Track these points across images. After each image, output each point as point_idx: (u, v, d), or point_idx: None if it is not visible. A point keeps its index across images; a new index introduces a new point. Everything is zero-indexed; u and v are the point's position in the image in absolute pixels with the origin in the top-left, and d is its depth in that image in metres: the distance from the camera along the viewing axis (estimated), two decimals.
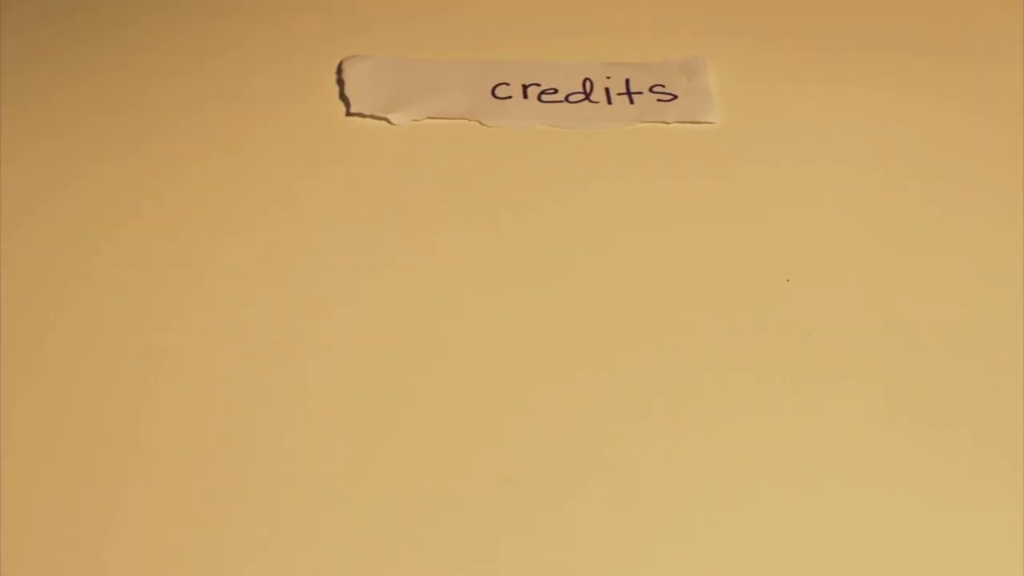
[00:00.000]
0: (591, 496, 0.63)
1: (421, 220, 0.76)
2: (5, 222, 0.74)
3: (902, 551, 0.61)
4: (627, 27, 0.89)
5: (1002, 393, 0.68)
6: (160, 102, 0.83)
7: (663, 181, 0.78)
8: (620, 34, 0.88)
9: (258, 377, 0.67)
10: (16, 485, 0.62)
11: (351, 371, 0.68)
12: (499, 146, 0.80)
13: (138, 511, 0.62)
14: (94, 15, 0.89)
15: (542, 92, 0.84)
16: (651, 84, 0.84)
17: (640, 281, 0.73)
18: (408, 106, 0.82)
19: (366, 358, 0.69)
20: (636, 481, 0.64)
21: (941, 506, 0.63)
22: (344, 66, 0.85)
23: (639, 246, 0.75)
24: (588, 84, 0.84)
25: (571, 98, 0.83)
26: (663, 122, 0.82)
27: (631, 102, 0.83)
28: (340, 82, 0.84)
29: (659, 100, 0.83)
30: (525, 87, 0.84)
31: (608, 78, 0.84)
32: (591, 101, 0.83)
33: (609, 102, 0.83)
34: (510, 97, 0.83)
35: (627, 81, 0.84)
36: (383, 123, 0.81)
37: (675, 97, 0.83)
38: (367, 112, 0.82)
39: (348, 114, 0.82)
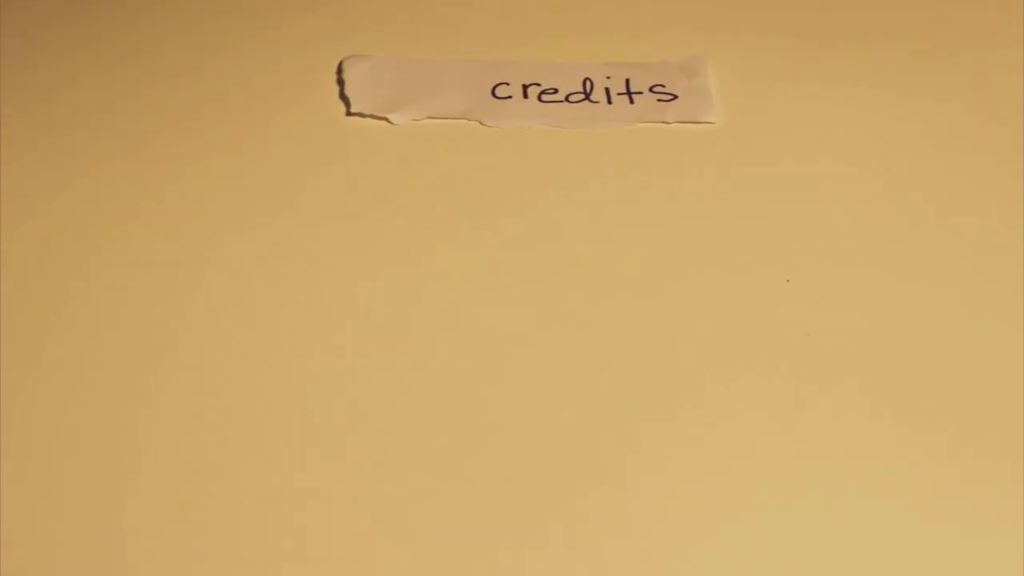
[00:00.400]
0: (591, 496, 0.63)
1: (421, 220, 0.76)
2: (5, 222, 0.74)
3: (901, 549, 0.61)
4: (627, 27, 0.89)
5: (1002, 392, 0.68)
6: (160, 102, 0.83)
7: (663, 181, 0.78)
8: (620, 34, 0.88)
9: (258, 376, 0.67)
10: (16, 486, 0.62)
11: (351, 370, 0.68)
12: (499, 146, 0.80)
13: (140, 512, 0.62)
14: (94, 13, 0.89)
15: (542, 92, 0.84)
16: (651, 84, 0.84)
17: (640, 281, 0.73)
18: (408, 106, 0.82)
19: (366, 358, 0.69)
20: (635, 480, 0.64)
21: (940, 503, 0.63)
22: (344, 66, 0.85)
23: (639, 246, 0.75)
24: (588, 84, 0.84)
25: (571, 98, 0.83)
26: (663, 122, 0.82)
27: (631, 102, 0.83)
28: (340, 82, 0.84)
29: (659, 100, 0.83)
30: (525, 87, 0.84)
31: (608, 78, 0.84)
32: (591, 101, 0.83)
33: (609, 102, 0.83)
34: (510, 97, 0.83)
35: (627, 81, 0.84)
36: (383, 123, 0.81)
37: (675, 97, 0.83)
38: (367, 112, 0.82)
39: (348, 114, 0.82)
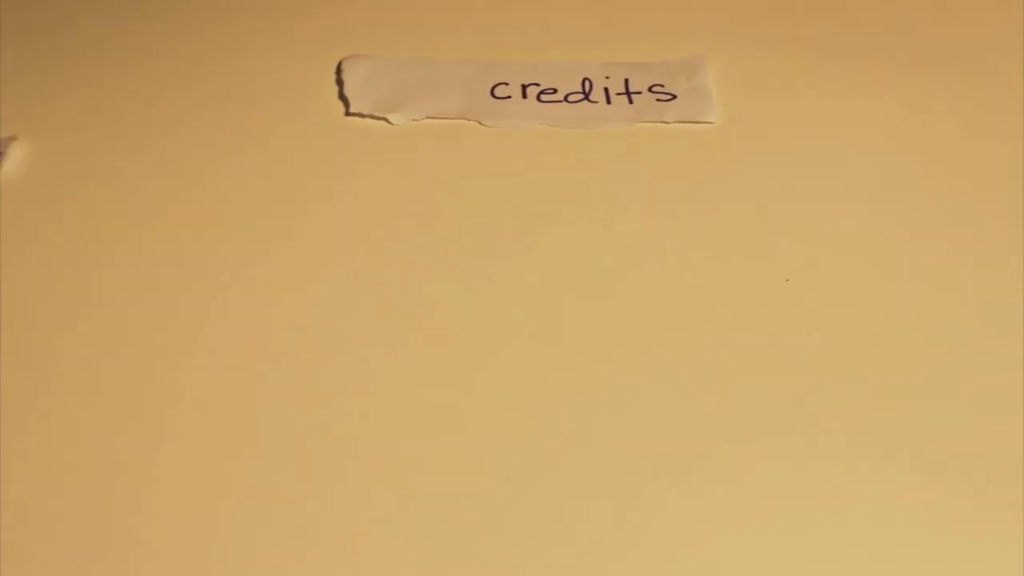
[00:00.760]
0: (592, 495, 0.63)
1: (421, 219, 0.76)
2: (5, 222, 0.74)
3: (902, 553, 0.62)
4: (627, 27, 0.89)
5: (1002, 390, 0.67)
6: (160, 101, 0.83)
7: (663, 181, 0.78)
8: (620, 34, 0.88)
9: (259, 374, 0.67)
10: (17, 486, 0.63)
11: (350, 369, 0.68)
12: (498, 146, 0.80)
13: (147, 513, 0.62)
14: (94, 16, 0.90)
15: (541, 92, 0.84)
16: (650, 84, 0.84)
17: (640, 280, 0.73)
18: (407, 106, 0.82)
19: (364, 356, 0.69)
20: (635, 480, 0.64)
21: (933, 509, 0.63)
22: (344, 66, 0.85)
23: (639, 246, 0.75)
24: (587, 84, 0.84)
25: (570, 98, 0.83)
26: (662, 122, 0.82)
27: (630, 102, 0.83)
28: (340, 82, 0.84)
29: (658, 100, 0.83)
30: (524, 87, 0.84)
31: (607, 78, 0.84)
32: (590, 101, 0.83)
33: (608, 102, 0.83)
34: (509, 97, 0.83)
35: (626, 81, 0.84)
36: (382, 123, 0.82)
37: (674, 97, 0.83)
38: (366, 112, 0.82)
39: (347, 114, 0.82)
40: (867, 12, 0.90)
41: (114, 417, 0.65)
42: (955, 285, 0.73)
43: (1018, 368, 0.68)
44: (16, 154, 0.76)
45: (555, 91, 0.83)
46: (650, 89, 0.84)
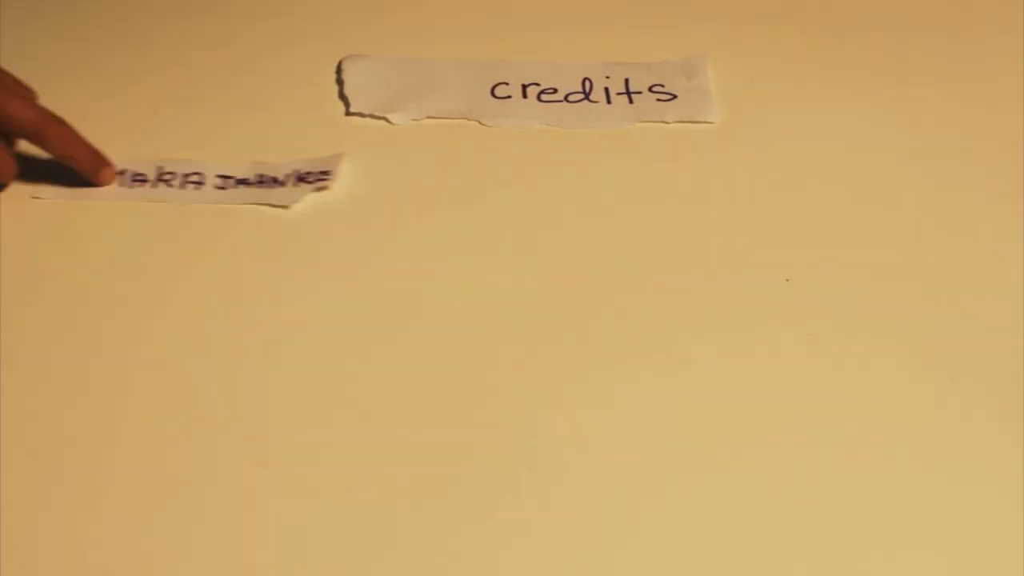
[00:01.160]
0: (591, 496, 0.63)
1: (420, 219, 0.76)
2: (5, 222, 0.74)
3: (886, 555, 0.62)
4: (627, 27, 0.89)
5: (1002, 388, 0.67)
6: (160, 100, 0.83)
7: (663, 180, 0.78)
8: (620, 34, 0.88)
9: (253, 374, 0.67)
10: (17, 486, 0.63)
11: (348, 368, 0.68)
12: (499, 146, 0.80)
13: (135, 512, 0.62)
14: (95, 17, 0.90)
15: (541, 92, 0.83)
16: (651, 84, 0.84)
17: (640, 280, 0.73)
18: (408, 105, 0.82)
19: (362, 355, 0.68)
20: (634, 479, 0.64)
21: (935, 494, 0.63)
22: (344, 65, 0.85)
23: (639, 245, 0.75)
24: (587, 84, 0.84)
25: (570, 98, 0.83)
26: (663, 122, 0.82)
27: (630, 102, 0.83)
28: (340, 81, 0.84)
29: (658, 100, 0.83)
30: (525, 87, 0.84)
31: (607, 78, 0.84)
32: (590, 101, 0.83)
33: (608, 102, 0.83)
34: (509, 97, 0.83)
35: (626, 81, 0.84)
36: (382, 122, 0.81)
37: (675, 97, 0.83)
38: (366, 111, 0.82)
39: (347, 113, 0.82)
40: (867, 13, 0.90)
41: (102, 420, 0.66)
42: (955, 285, 0.73)
43: (1018, 368, 0.68)
44: (345, 172, 0.77)
45: (555, 91, 0.83)
46: (650, 89, 0.84)
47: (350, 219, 0.75)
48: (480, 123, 0.82)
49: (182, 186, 0.77)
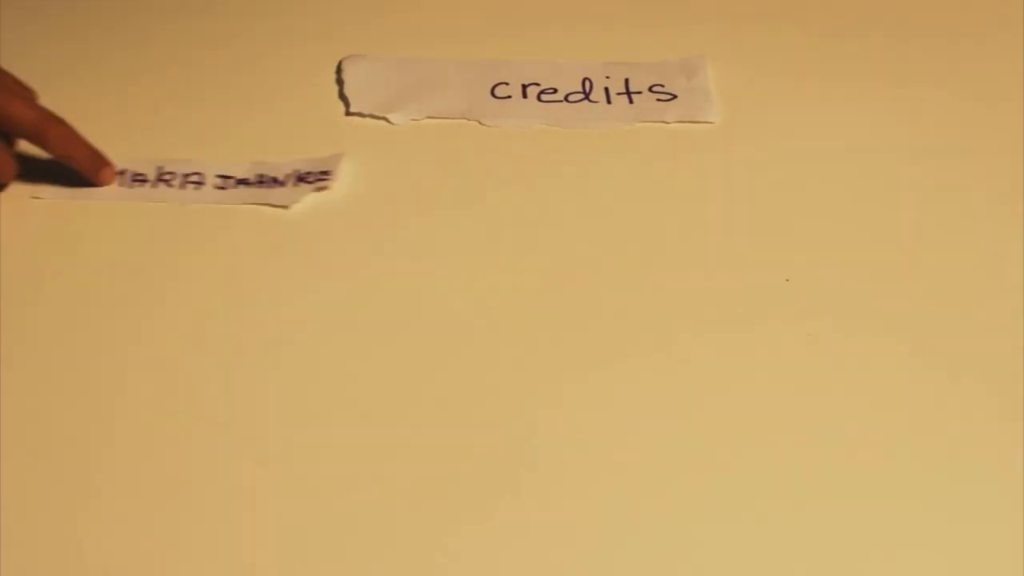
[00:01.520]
0: (592, 496, 0.63)
1: (421, 219, 0.76)
2: (5, 222, 0.74)
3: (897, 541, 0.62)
4: (627, 27, 0.89)
5: (1002, 388, 0.67)
6: (160, 100, 0.83)
7: (663, 180, 0.78)
8: (620, 34, 0.88)
9: (253, 374, 0.67)
10: (17, 486, 0.63)
11: (349, 368, 0.68)
12: (499, 146, 0.80)
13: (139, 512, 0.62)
14: (95, 17, 0.90)
15: (541, 92, 0.83)
16: (651, 84, 0.84)
17: (640, 280, 0.73)
18: (408, 106, 0.82)
19: (362, 355, 0.68)
20: (634, 479, 0.64)
21: (936, 497, 0.63)
22: (344, 65, 0.85)
23: (639, 245, 0.75)
24: (587, 84, 0.84)
25: (570, 98, 0.83)
26: (663, 122, 0.82)
27: (630, 102, 0.83)
28: (340, 81, 0.84)
29: (659, 100, 0.83)
30: (525, 87, 0.84)
31: (607, 78, 0.84)
32: (590, 101, 0.83)
33: (608, 102, 0.83)
34: (510, 97, 0.83)
35: (626, 81, 0.84)
36: (383, 122, 0.81)
37: (675, 97, 0.83)
38: (366, 111, 0.82)
39: (348, 113, 0.82)
40: (867, 13, 0.90)
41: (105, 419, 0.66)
42: (955, 285, 0.73)
43: (1018, 368, 0.68)
44: (345, 172, 0.77)
45: (555, 91, 0.83)
46: (650, 89, 0.84)
47: (350, 219, 0.75)
48: (480, 123, 0.82)
49: (182, 186, 0.77)
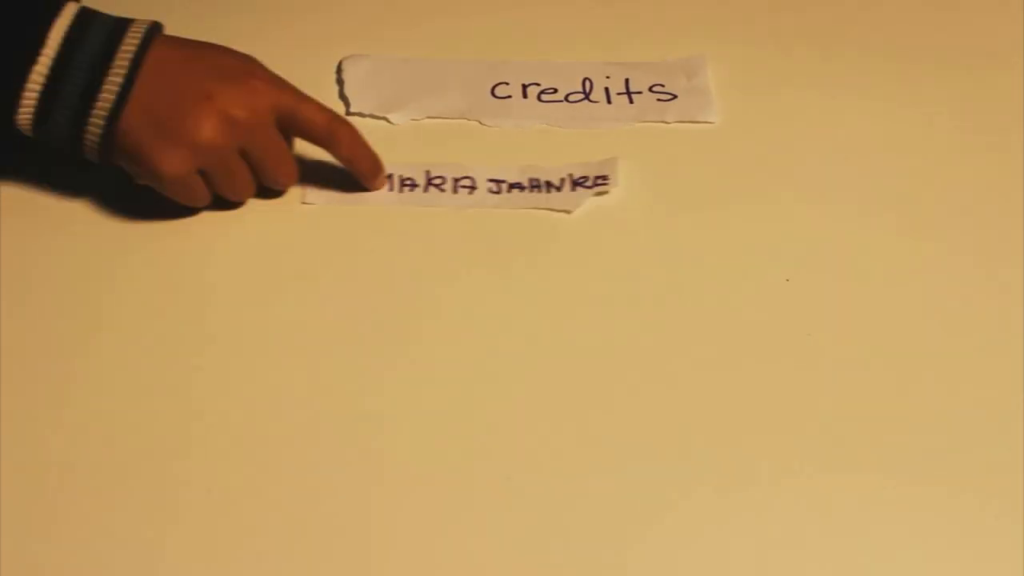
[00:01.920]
0: (592, 495, 0.63)
1: (420, 219, 0.76)
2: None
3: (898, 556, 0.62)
4: (627, 27, 0.89)
5: (1002, 388, 0.68)
6: None
7: (663, 181, 0.78)
8: (620, 34, 0.88)
9: (264, 381, 0.67)
10: (19, 487, 0.63)
11: (352, 370, 0.68)
12: (499, 146, 0.80)
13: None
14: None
15: (542, 92, 0.83)
16: (651, 84, 0.84)
17: (639, 279, 0.73)
18: (408, 106, 0.82)
19: (365, 356, 0.69)
20: (634, 478, 0.64)
21: (940, 506, 0.63)
22: (344, 66, 0.85)
23: (638, 245, 0.75)
24: (588, 84, 0.84)
25: (571, 98, 0.83)
26: (663, 122, 0.82)
27: (631, 102, 0.83)
28: (340, 81, 0.84)
29: (659, 100, 0.83)
30: (525, 87, 0.84)
31: (608, 78, 0.84)
32: (591, 101, 0.83)
33: (609, 102, 0.83)
34: (510, 97, 0.83)
35: (627, 81, 0.84)
36: (383, 122, 0.81)
37: (675, 97, 0.83)
38: (367, 111, 0.82)
39: (348, 113, 0.82)
40: (867, 12, 0.90)
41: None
42: (955, 284, 0.73)
43: (1018, 367, 0.68)
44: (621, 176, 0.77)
45: (555, 91, 0.83)
46: (650, 89, 0.84)
47: (352, 218, 0.75)
48: (480, 123, 0.82)
49: (455, 191, 0.77)
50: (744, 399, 0.67)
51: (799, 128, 0.82)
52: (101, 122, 0.71)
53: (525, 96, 0.83)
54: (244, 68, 0.73)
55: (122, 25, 0.72)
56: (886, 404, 0.67)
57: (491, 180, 0.77)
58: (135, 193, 0.73)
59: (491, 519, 0.62)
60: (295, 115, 0.73)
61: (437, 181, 0.77)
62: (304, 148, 0.76)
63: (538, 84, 0.84)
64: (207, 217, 0.74)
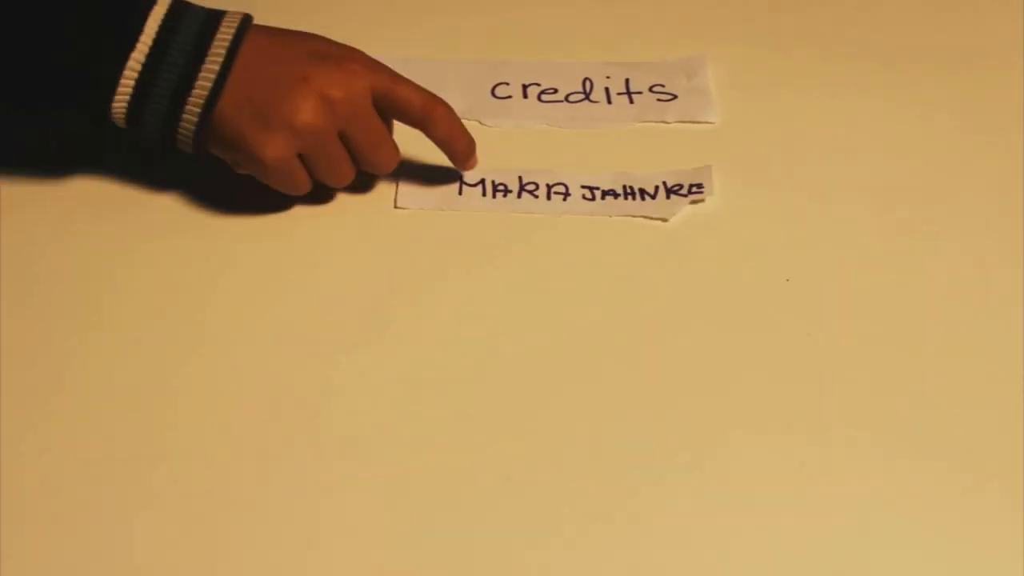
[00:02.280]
0: (592, 495, 0.63)
1: (420, 219, 0.76)
2: (5, 225, 0.75)
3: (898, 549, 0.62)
4: (627, 27, 0.89)
5: (1001, 388, 0.68)
6: None
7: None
8: (620, 34, 0.88)
9: (267, 379, 0.68)
10: (16, 488, 0.63)
11: (351, 369, 0.68)
12: (499, 146, 0.80)
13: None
14: None
15: (542, 92, 0.84)
16: (651, 84, 0.84)
17: (639, 280, 0.73)
18: None
19: (367, 357, 0.69)
20: (634, 478, 0.64)
21: (940, 502, 0.63)
22: None
23: (637, 245, 0.75)
24: (588, 84, 0.84)
25: (571, 98, 0.83)
26: (663, 122, 0.82)
27: (631, 102, 0.83)
28: None
29: (659, 100, 0.83)
30: (525, 87, 0.84)
31: (608, 78, 0.84)
32: (591, 101, 0.83)
33: (609, 102, 0.83)
34: (510, 97, 0.83)
35: (627, 81, 0.84)
36: None
37: (675, 97, 0.83)
38: None
39: None
40: (867, 12, 0.90)
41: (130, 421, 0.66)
42: (955, 284, 0.73)
43: (1018, 367, 0.68)
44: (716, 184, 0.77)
45: (556, 91, 0.83)
46: (650, 89, 0.84)
47: (351, 218, 0.75)
48: (480, 123, 0.82)
49: (548, 197, 0.77)
50: (744, 399, 0.67)
51: (799, 128, 0.82)
52: (197, 110, 0.70)
53: (525, 96, 0.83)
54: (339, 51, 0.73)
55: (216, 15, 0.72)
56: (886, 404, 0.67)
57: (584, 187, 0.77)
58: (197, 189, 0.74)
59: (491, 519, 0.62)
60: (392, 95, 0.73)
61: (531, 187, 0.77)
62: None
63: (538, 84, 0.84)
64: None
